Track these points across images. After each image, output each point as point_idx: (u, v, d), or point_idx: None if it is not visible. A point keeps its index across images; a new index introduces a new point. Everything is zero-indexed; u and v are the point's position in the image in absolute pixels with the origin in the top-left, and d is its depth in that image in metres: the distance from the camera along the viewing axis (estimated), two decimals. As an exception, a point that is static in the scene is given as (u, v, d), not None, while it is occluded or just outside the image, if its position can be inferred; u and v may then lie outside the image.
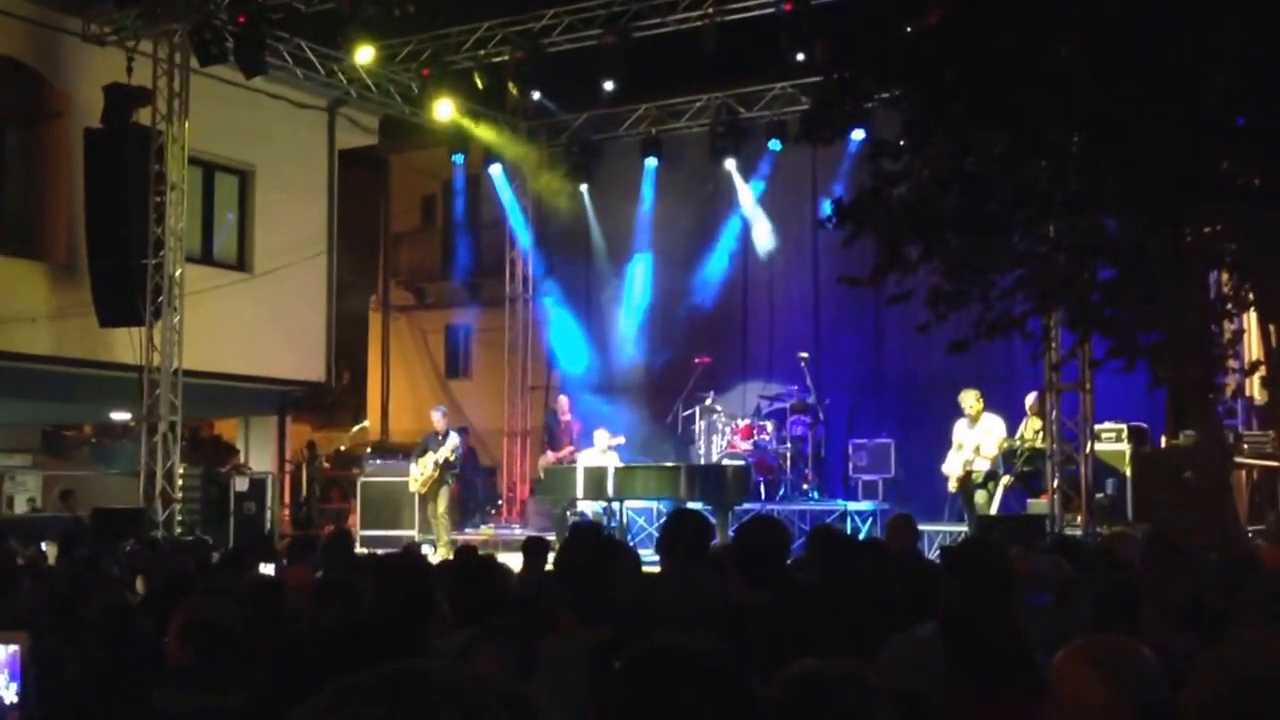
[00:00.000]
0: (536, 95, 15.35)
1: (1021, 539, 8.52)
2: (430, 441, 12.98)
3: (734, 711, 2.00)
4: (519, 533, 13.90)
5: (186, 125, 12.54)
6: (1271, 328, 7.22)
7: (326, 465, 16.54)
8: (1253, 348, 9.56)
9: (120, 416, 14.98)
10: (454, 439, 12.91)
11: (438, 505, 12.71)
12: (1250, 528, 8.48)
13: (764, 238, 15.70)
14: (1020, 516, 11.01)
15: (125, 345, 12.40)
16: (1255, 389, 9.96)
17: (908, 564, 5.28)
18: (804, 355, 14.04)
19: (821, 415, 14.14)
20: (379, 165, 20.93)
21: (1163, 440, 10.80)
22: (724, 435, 13.92)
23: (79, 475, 14.80)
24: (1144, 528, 8.02)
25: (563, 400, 15.11)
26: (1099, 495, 10.92)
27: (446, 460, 12.73)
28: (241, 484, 12.77)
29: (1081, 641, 2.49)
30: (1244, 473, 9.15)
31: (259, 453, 15.68)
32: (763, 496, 13.37)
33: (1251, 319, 9.00)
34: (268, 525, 12.78)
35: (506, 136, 16.79)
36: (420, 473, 12.78)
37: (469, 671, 1.13)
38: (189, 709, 2.96)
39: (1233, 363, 8.85)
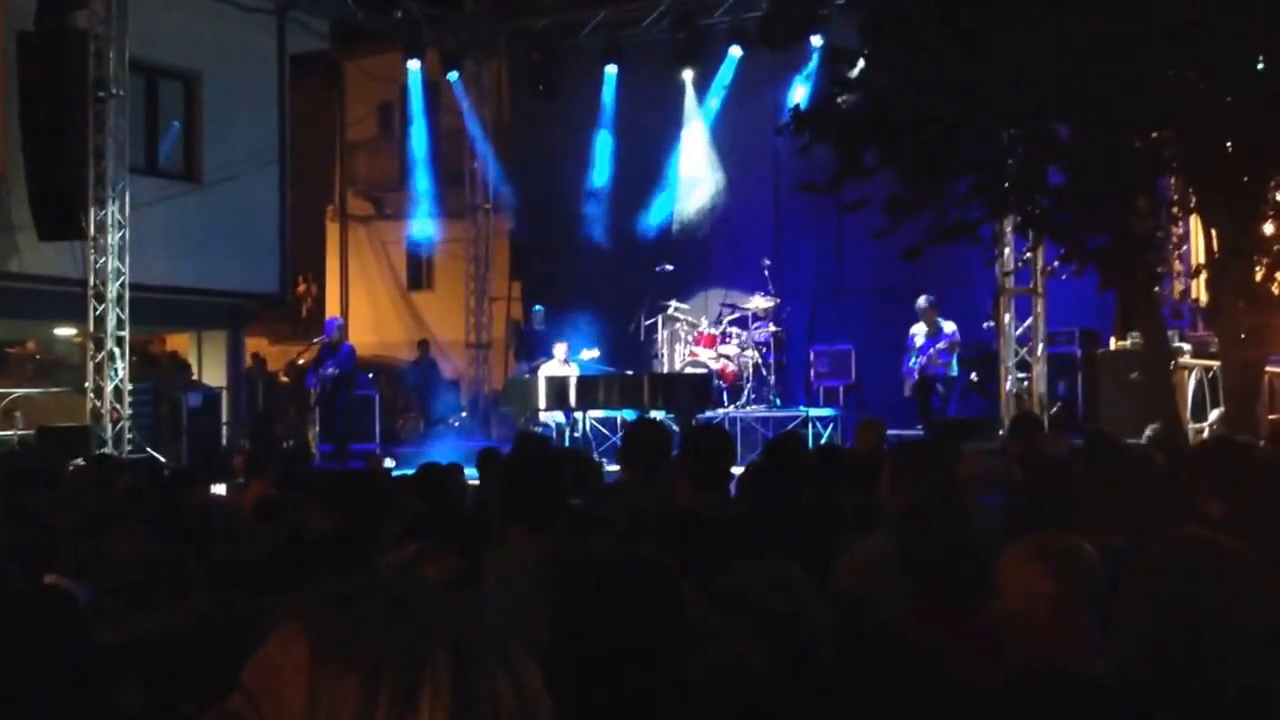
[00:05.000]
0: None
1: (975, 440, 8.67)
2: (325, 353, 12.98)
3: (663, 618, 2.04)
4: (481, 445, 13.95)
5: (126, 29, 12.10)
6: (1214, 231, 7.30)
7: (285, 379, 16.44)
8: (1198, 250, 9.67)
9: (65, 332, 14.74)
10: (346, 349, 12.96)
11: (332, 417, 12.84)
12: (1193, 425, 8.69)
13: (724, 145, 15.53)
14: (974, 419, 11.20)
15: (69, 259, 12.14)
16: (1200, 291, 10.09)
17: (870, 467, 5.33)
18: (767, 262, 14.03)
19: (785, 322, 14.18)
20: (332, 71, 20.39)
21: (1112, 343, 10.98)
22: (686, 343, 13.95)
23: (24, 393, 14.58)
24: (1088, 427, 8.19)
25: (538, 311, 15.05)
26: (1054, 410, 11.14)
27: (340, 372, 12.75)
28: (194, 400, 12.65)
29: (1027, 538, 2.55)
30: (1188, 372, 9.34)
31: (213, 368, 15.54)
32: (725, 404, 13.47)
33: (1196, 223, 9.09)
34: (223, 441, 12.72)
35: (464, 42, 16.36)
36: (319, 386, 12.86)
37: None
38: (123, 640, 2.97)
39: (1178, 265, 8.96)
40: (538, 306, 15.18)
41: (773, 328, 13.92)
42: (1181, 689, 1.97)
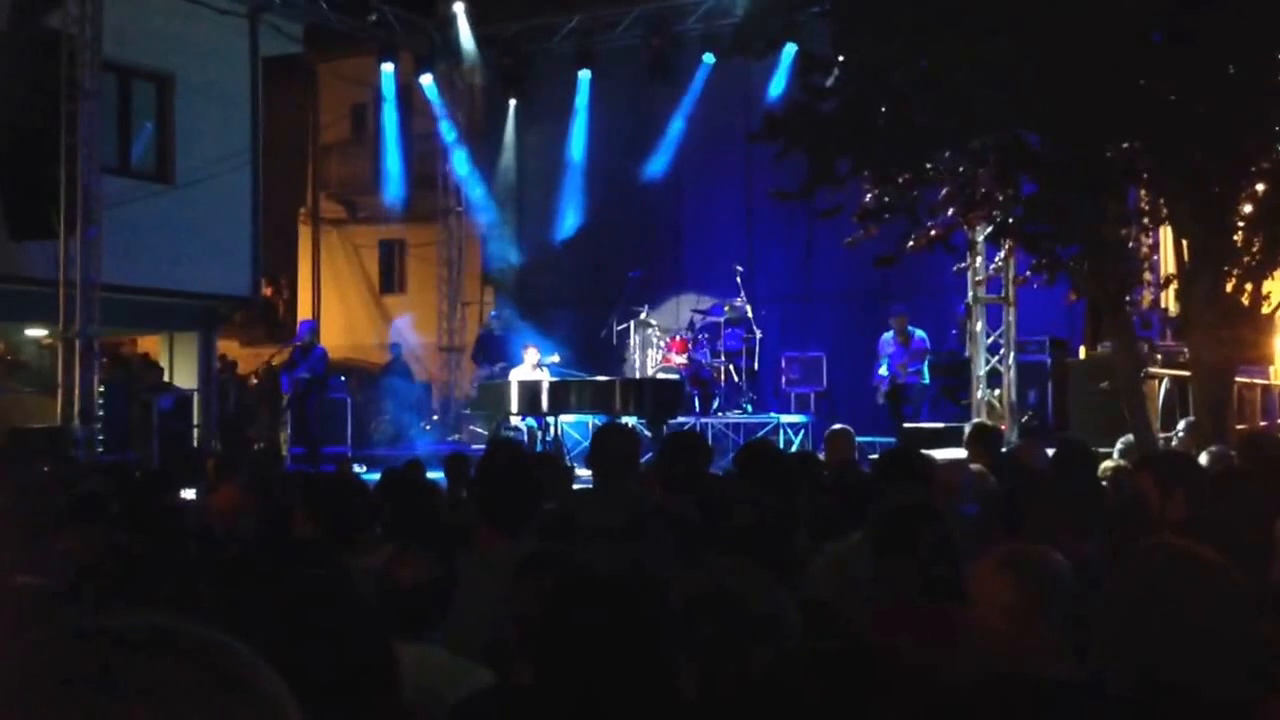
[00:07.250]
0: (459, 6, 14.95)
1: (946, 449, 8.73)
2: (297, 356, 12.99)
3: (644, 630, 2.04)
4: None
5: (101, 29, 12.00)
6: (1184, 241, 7.40)
7: (256, 381, 16.34)
8: (1168, 261, 9.81)
9: (36, 333, 14.59)
10: (319, 353, 13.08)
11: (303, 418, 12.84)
12: (1162, 434, 8.79)
13: (697, 151, 15.60)
14: (945, 427, 11.27)
15: (40, 259, 12.01)
16: (1170, 301, 10.24)
17: (846, 476, 5.36)
18: (739, 268, 14.10)
19: (756, 328, 14.25)
20: (306, 74, 20.30)
21: (1081, 352, 11.11)
22: (658, 349, 13.97)
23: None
24: (1061, 435, 8.28)
25: (494, 316, 15.06)
26: (1025, 418, 11.24)
27: (312, 375, 12.84)
28: (165, 402, 12.54)
29: (998, 548, 2.59)
30: (1157, 382, 9.45)
31: (184, 370, 15.42)
32: (697, 410, 13.50)
33: (1167, 233, 9.22)
34: (194, 443, 12.62)
35: (437, 45, 16.34)
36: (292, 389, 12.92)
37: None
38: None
39: (1149, 276, 9.09)
40: (494, 312, 15.23)
41: (745, 334, 13.98)
42: (1160, 698, 2.01)
